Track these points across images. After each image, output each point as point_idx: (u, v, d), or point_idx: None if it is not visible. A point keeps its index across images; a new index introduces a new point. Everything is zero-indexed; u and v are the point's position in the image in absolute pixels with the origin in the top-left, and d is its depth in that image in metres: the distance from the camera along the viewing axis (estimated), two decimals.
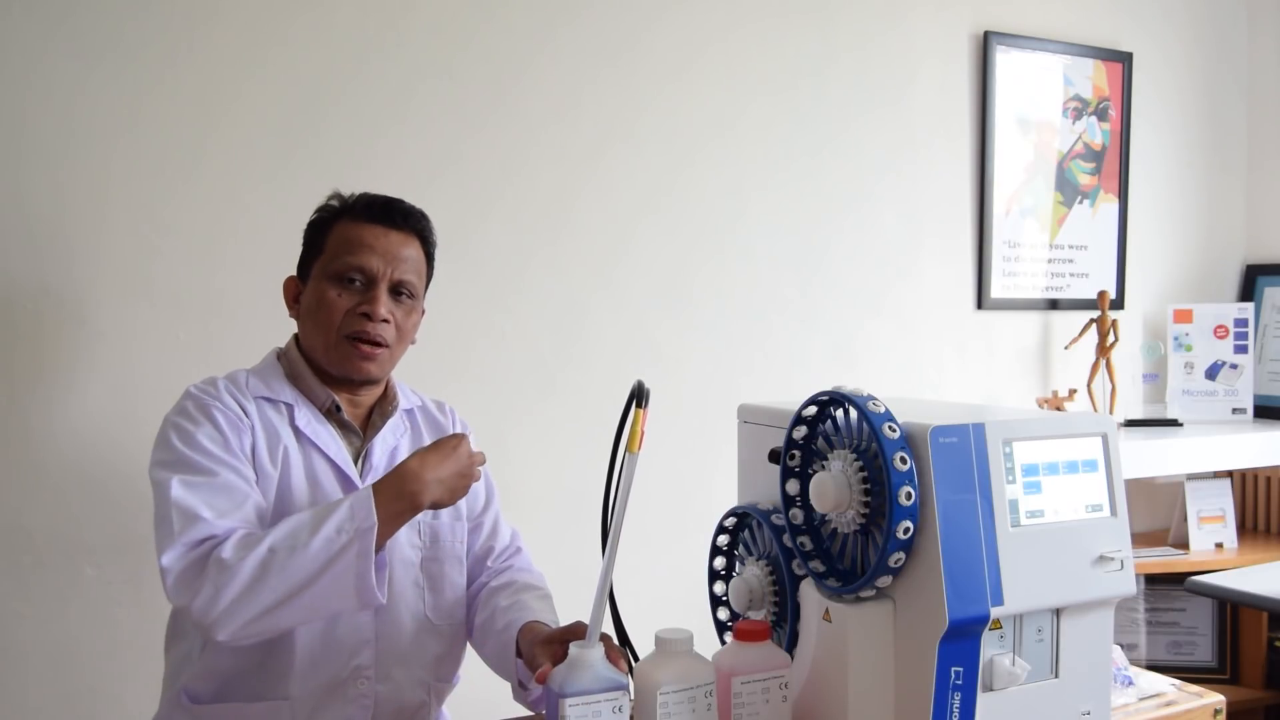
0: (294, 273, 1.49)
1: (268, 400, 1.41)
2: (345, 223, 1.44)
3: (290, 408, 1.41)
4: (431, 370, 1.96)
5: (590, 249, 2.21)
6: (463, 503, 1.51)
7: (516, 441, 2.13)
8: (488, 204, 2.11)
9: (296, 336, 1.49)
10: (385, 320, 1.40)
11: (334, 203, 1.47)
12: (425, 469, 1.28)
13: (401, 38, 2.02)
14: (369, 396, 1.48)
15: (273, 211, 1.87)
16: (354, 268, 1.40)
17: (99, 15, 1.78)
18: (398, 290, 1.43)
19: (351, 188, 1.49)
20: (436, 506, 1.33)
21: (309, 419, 1.41)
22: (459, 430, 1.57)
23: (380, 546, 1.25)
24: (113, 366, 1.80)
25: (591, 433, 2.05)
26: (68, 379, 1.78)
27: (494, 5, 2.10)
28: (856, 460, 1.09)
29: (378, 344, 1.40)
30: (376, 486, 1.27)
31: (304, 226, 1.49)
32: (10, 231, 1.74)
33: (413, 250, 1.45)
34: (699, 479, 2.25)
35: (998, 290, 2.71)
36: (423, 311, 1.52)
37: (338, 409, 1.43)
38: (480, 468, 1.38)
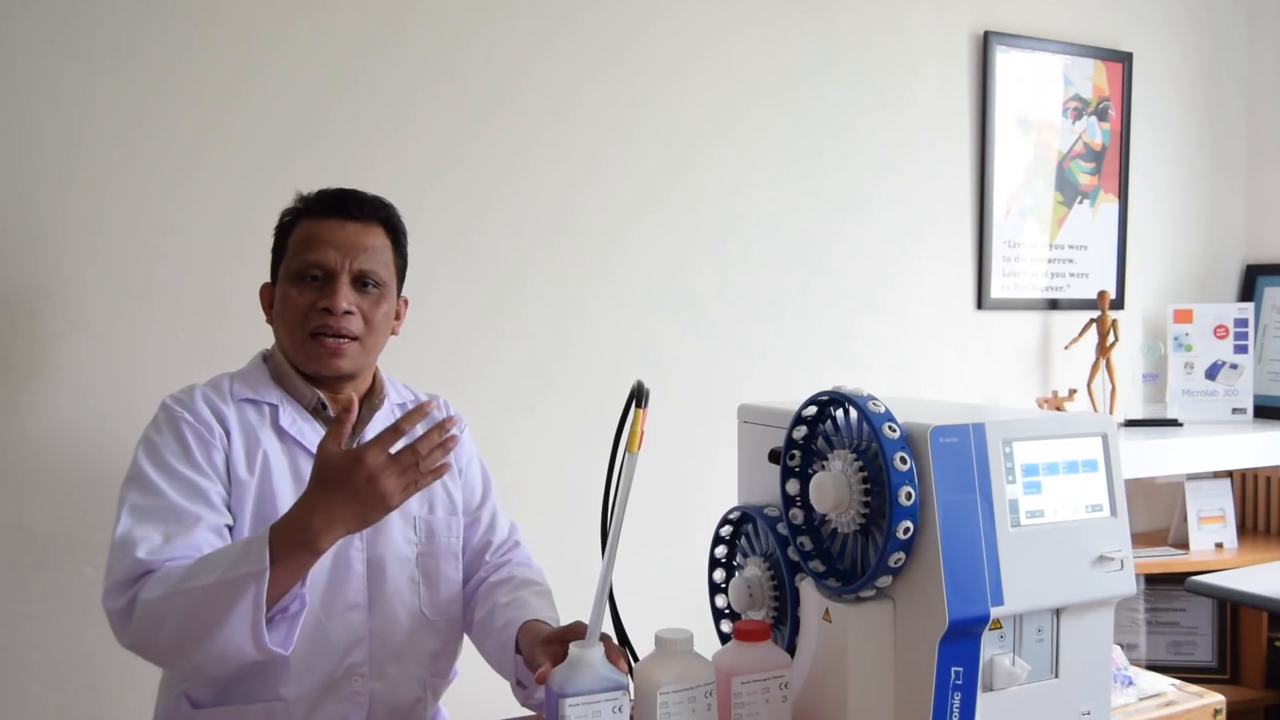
0: (269, 280, 1.49)
1: (250, 402, 1.40)
2: (305, 221, 1.43)
3: (274, 408, 1.40)
4: (431, 370, 1.96)
5: (590, 249, 2.21)
6: (459, 498, 1.52)
7: (516, 441, 2.13)
8: (488, 204, 2.11)
9: None
10: (348, 312, 1.39)
11: (297, 204, 1.47)
12: (314, 513, 1.15)
13: (401, 38, 2.02)
14: (354, 392, 1.46)
15: (273, 212, 1.85)
16: (311, 264, 1.39)
17: (100, 16, 1.78)
18: (362, 281, 1.41)
19: (349, 187, 1.48)
20: (350, 532, 1.20)
21: (294, 418, 1.41)
22: (455, 421, 1.55)
23: (285, 590, 1.18)
24: (113, 367, 1.80)
25: (591, 433, 2.05)
26: (68, 379, 1.78)
27: (494, 5, 2.10)
28: (856, 460, 1.09)
29: (342, 337, 1.39)
30: (274, 528, 1.17)
31: None
32: (11, 232, 1.74)
33: (375, 239, 1.43)
34: (699, 479, 2.25)
35: (998, 290, 2.71)
36: (405, 302, 1.51)
37: (324, 407, 1.43)
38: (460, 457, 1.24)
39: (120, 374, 1.80)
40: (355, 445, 1.41)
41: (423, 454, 1.16)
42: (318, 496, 1.16)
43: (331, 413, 1.44)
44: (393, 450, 1.15)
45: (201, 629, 1.16)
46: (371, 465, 1.14)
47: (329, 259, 1.39)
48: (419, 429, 1.22)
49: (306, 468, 1.38)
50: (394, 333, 1.49)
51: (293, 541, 1.16)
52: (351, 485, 1.14)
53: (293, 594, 1.20)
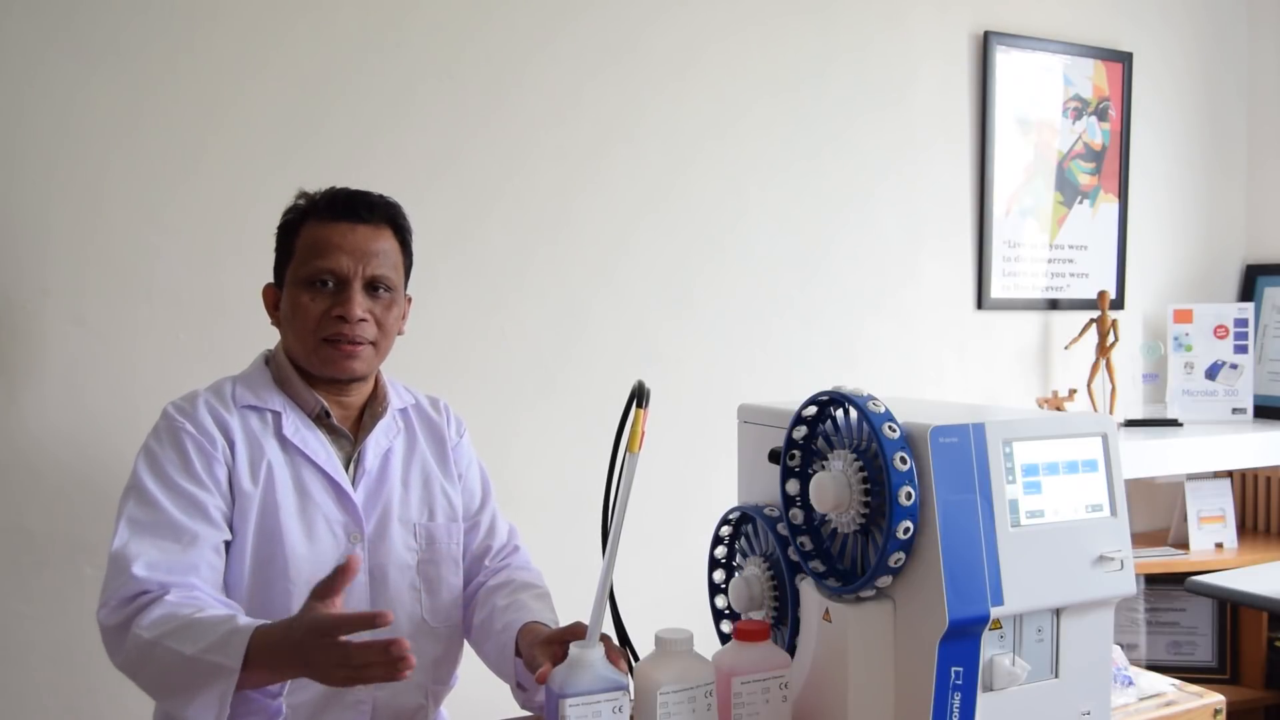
0: (272, 280, 1.47)
1: (254, 409, 1.39)
2: (312, 223, 1.40)
3: (277, 416, 1.39)
4: (431, 370, 1.96)
5: (590, 249, 2.21)
6: (459, 503, 1.51)
7: (516, 441, 2.13)
8: (488, 204, 2.11)
9: None
10: (363, 319, 1.38)
11: (300, 202, 1.44)
12: (282, 644, 1.12)
13: (401, 38, 2.02)
14: (358, 397, 1.45)
15: (273, 211, 1.84)
16: (324, 270, 1.37)
17: (99, 16, 1.78)
18: (374, 286, 1.40)
19: (349, 186, 1.47)
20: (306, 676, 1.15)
21: (297, 426, 1.39)
22: (454, 426, 1.56)
23: (259, 686, 1.16)
24: (112, 367, 1.80)
25: (591, 433, 2.05)
26: (67, 379, 1.78)
27: (494, 5, 2.10)
28: (856, 460, 1.09)
29: (358, 342, 1.38)
30: (257, 632, 1.13)
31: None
32: (10, 231, 1.74)
33: (385, 243, 1.41)
34: (699, 479, 2.25)
35: (998, 290, 2.71)
36: (409, 300, 1.49)
37: (327, 414, 1.41)
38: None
39: (120, 374, 1.80)
40: (359, 454, 1.42)
41: (361, 664, 1.06)
42: (292, 634, 1.11)
43: (335, 420, 1.42)
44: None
45: (171, 692, 1.17)
46: (326, 650, 1.07)
47: (342, 266, 1.37)
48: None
49: (309, 478, 1.38)
50: (399, 332, 1.48)
51: (261, 658, 1.13)
52: (304, 649, 1.09)
53: (270, 691, 1.19)
